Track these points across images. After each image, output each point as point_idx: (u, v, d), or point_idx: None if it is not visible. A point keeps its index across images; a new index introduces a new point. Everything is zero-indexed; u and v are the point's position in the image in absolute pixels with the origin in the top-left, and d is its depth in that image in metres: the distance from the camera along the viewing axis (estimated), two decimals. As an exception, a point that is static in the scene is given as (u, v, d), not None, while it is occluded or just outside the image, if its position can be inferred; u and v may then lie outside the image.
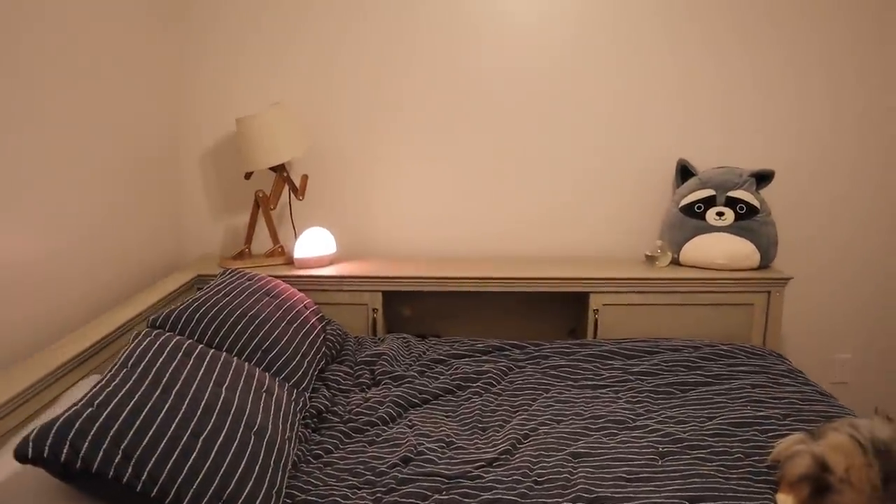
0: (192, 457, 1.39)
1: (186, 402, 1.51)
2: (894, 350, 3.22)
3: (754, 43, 2.91)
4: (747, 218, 2.80)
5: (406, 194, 2.99)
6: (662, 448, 1.83)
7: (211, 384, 1.63)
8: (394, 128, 2.93)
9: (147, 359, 1.63)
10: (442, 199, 3.00)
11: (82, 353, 1.85)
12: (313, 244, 2.76)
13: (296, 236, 2.83)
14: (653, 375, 2.31)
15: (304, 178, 2.83)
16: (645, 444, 1.85)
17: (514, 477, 1.67)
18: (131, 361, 1.62)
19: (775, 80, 2.94)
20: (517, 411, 2.06)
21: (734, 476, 1.70)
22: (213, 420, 1.51)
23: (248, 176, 2.81)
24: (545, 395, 2.17)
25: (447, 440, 1.87)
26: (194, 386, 1.59)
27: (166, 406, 1.46)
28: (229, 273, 2.39)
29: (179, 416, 1.46)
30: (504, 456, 1.78)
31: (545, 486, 1.64)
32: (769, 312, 2.77)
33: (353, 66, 2.88)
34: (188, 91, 2.87)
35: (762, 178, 2.86)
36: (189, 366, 1.67)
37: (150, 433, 1.37)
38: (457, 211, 3.01)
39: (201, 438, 1.44)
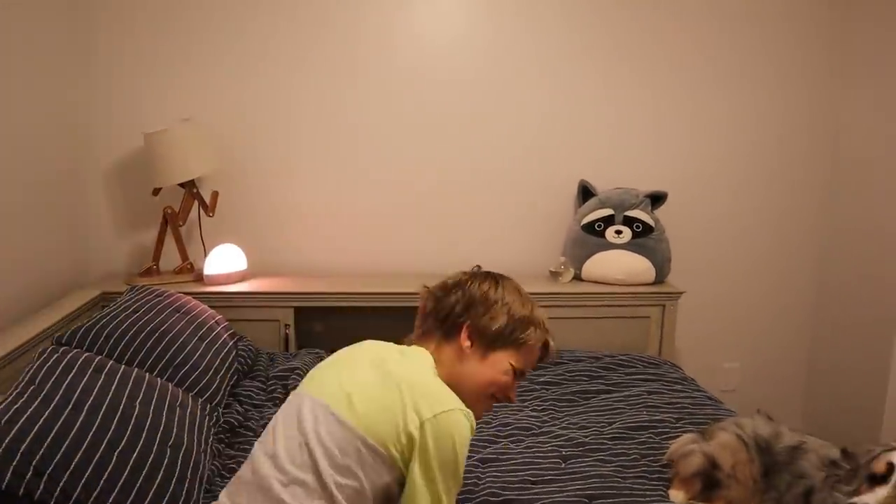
0: (108, 470, 1.38)
1: (100, 417, 1.50)
2: (778, 358, 3.47)
3: (647, 71, 3.10)
4: (643, 236, 2.97)
5: (318, 210, 3.01)
6: (566, 452, 1.93)
7: (124, 399, 1.62)
8: (305, 144, 2.96)
9: (55, 375, 1.60)
10: (354, 215, 3.03)
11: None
12: (223, 260, 2.75)
13: (205, 253, 2.81)
14: (557, 385, 2.42)
15: (215, 194, 2.81)
16: (549, 448, 1.95)
17: (425, 483, 1.73)
18: (38, 378, 1.58)
19: (667, 106, 3.15)
20: (428, 421, 2.12)
21: (631, 475, 1.82)
22: (127, 433, 1.51)
23: (156, 192, 2.77)
24: (455, 405, 2.23)
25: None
26: (107, 401, 1.57)
27: (79, 421, 1.45)
28: (137, 290, 2.35)
29: (93, 430, 1.44)
30: (415, 464, 1.84)
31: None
32: (664, 324, 2.94)
33: (265, 82, 2.89)
34: (95, 103, 2.81)
35: (656, 199, 3.05)
36: (100, 381, 1.65)
37: (63, 448, 1.35)
38: (368, 227, 3.05)
39: (116, 451, 1.43)
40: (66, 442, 1.37)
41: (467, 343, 1.46)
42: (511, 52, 3.02)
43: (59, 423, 1.41)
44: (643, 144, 3.16)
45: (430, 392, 1.33)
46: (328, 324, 2.93)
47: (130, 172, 2.88)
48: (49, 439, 1.35)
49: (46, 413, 1.42)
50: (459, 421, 1.30)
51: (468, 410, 1.34)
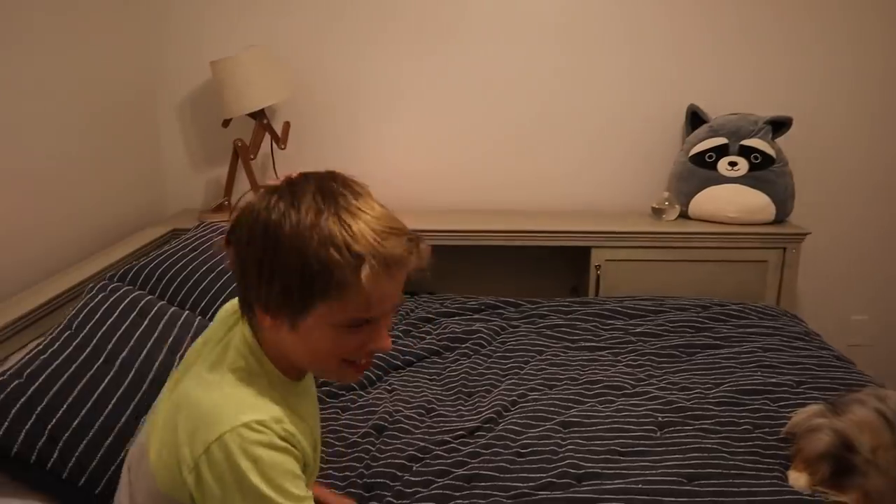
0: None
1: (131, 376, 1.36)
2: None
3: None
4: (762, 168, 2.59)
5: (398, 143, 2.80)
6: (662, 418, 1.67)
7: (164, 352, 1.48)
8: (385, 72, 2.73)
9: (95, 319, 1.48)
10: (436, 148, 2.80)
11: (32, 312, 1.70)
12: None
13: (279, 188, 2.65)
14: (656, 337, 2.14)
15: (286, 125, 2.65)
16: (643, 412, 1.69)
17: (495, 449, 1.53)
18: (77, 322, 1.47)
19: (797, 17, 2.69)
20: (506, 375, 1.91)
21: (740, 450, 1.55)
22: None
23: (225, 123, 2.63)
24: (538, 357, 2.01)
25: (427, 406, 1.73)
26: (143, 354, 1.43)
27: (106, 379, 1.32)
28: (203, 227, 2.23)
29: (120, 392, 1.31)
30: (487, 425, 1.64)
31: (528, 458, 1.50)
32: (784, 270, 2.58)
33: (338, 4, 2.67)
34: (161, 32, 2.67)
35: (779, 126, 2.64)
36: (142, 328, 1.52)
37: (84, 412, 1.22)
38: (452, 161, 2.82)
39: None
40: (89, 404, 1.24)
41: (266, 322, 0.98)
42: (612, -43, 2.65)
43: (86, 379, 1.28)
44: (765, 62, 2.73)
45: (203, 413, 0.95)
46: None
47: (201, 104, 2.75)
48: (71, 399, 1.22)
49: (73, 367, 1.29)
50: (244, 440, 0.91)
51: (263, 417, 0.94)
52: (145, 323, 1.53)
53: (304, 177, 0.98)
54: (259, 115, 2.58)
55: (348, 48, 2.70)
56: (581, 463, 1.46)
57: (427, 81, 2.74)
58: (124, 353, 1.40)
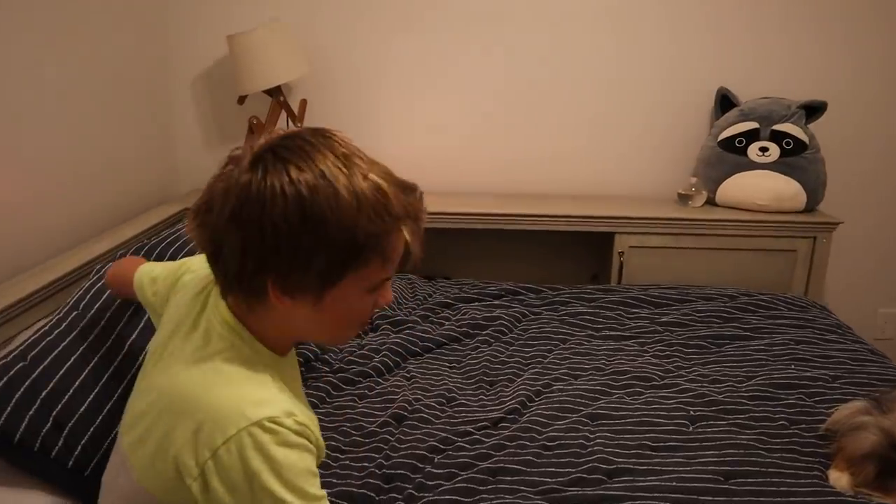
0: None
1: (140, 360, 1.30)
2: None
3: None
4: (794, 154, 2.50)
5: (418, 124, 2.72)
6: (694, 411, 1.60)
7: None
8: (403, 51, 2.64)
9: (102, 300, 1.42)
10: (456, 128, 2.72)
11: (40, 291, 1.64)
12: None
13: (294, 167, 2.59)
14: (684, 327, 2.07)
15: (303, 102, 2.57)
16: (674, 405, 1.62)
17: (520, 441, 1.46)
18: (84, 303, 1.40)
19: (827, 1, 2.59)
20: (529, 364, 1.84)
21: (777, 447, 1.48)
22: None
23: (241, 100, 2.55)
24: (562, 346, 1.94)
25: (448, 395, 1.66)
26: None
27: (115, 363, 1.25)
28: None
29: (129, 376, 1.24)
30: (511, 416, 1.57)
31: (556, 452, 1.43)
32: (814, 260, 2.49)
33: (358, -22, 2.59)
34: (175, 4, 2.60)
35: (813, 111, 2.54)
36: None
37: (91, 398, 1.16)
38: (472, 142, 2.74)
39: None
40: (97, 389, 1.17)
41: (286, 303, 0.90)
42: (642, -67, 2.55)
43: (91, 364, 1.21)
44: (798, 44, 2.63)
45: (204, 413, 0.87)
46: (426, 246, 2.67)
47: (216, 80, 2.68)
48: (77, 384, 1.15)
49: (80, 349, 1.22)
50: (256, 441, 0.84)
51: (274, 413, 0.87)
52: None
53: (297, 137, 0.89)
54: (276, 92, 2.51)
55: (370, 25, 2.62)
56: (611, 458, 1.40)
57: (450, 61, 2.65)
58: (133, 336, 1.33)
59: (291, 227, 0.84)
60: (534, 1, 2.59)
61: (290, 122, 2.59)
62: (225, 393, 0.88)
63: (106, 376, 1.22)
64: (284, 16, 2.57)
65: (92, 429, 1.13)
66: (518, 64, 2.65)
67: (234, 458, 0.84)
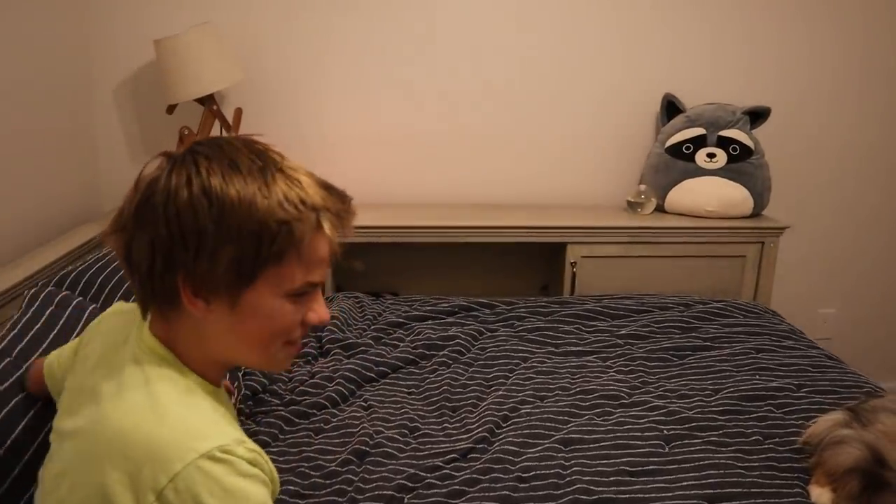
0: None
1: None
2: (878, 304, 3.02)
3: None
4: (741, 160, 2.50)
5: (359, 133, 2.60)
6: (668, 430, 1.54)
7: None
8: (344, 54, 2.52)
9: (39, 324, 1.26)
10: (401, 138, 2.62)
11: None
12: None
13: (229, 181, 2.43)
14: (644, 339, 2.02)
15: (238, 111, 2.42)
16: (646, 425, 1.56)
17: (494, 474, 1.37)
18: (21, 323, 1.25)
19: (776, 6, 2.61)
20: (492, 386, 1.75)
21: (755, 464, 1.43)
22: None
23: (170, 109, 2.38)
24: (523, 364, 1.86)
25: (410, 426, 1.55)
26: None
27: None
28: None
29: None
30: (481, 445, 1.48)
31: (532, 484, 1.34)
32: (762, 265, 2.50)
33: (293, -20, 2.45)
34: (97, 6, 2.41)
35: (756, 117, 2.56)
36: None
37: (11, 438, 1.01)
38: (417, 153, 2.64)
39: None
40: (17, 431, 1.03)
41: (199, 306, 0.83)
42: (586, -63, 2.51)
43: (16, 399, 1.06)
44: (739, 51, 2.64)
45: (144, 448, 0.77)
46: (371, 262, 2.57)
47: (142, 87, 2.49)
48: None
49: (8, 382, 1.07)
50: (208, 476, 0.75)
51: (223, 441, 0.78)
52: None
53: (217, 140, 0.86)
54: (208, 101, 2.35)
55: (309, 28, 2.49)
56: (591, 487, 1.32)
57: (396, 69, 2.54)
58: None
59: (196, 214, 0.79)
60: (480, 8, 2.52)
61: (225, 132, 2.43)
62: (163, 425, 0.78)
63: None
64: (216, 18, 2.41)
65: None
66: (465, 73, 2.57)
67: (183, 498, 0.74)
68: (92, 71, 2.45)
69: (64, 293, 1.46)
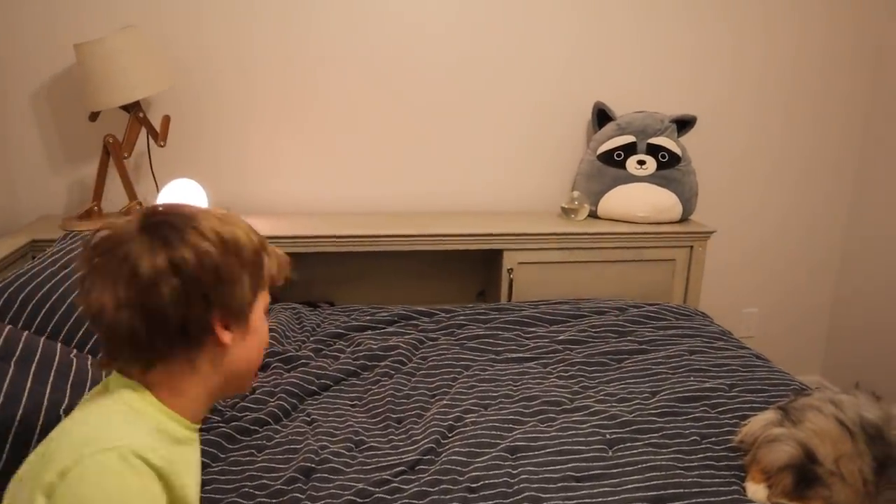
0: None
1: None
2: (798, 303, 3.18)
3: (675, -26, 2.66)
4: (669, 167, 2.58)
5: (291, 140, 2.56)
6: (610, 434, 1.57)
7: (42, 395, 1.20)
8: (276, 58, 2.47)
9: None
10: (332, 146, 2.58)
11: None
12: (179, 198, 2.30)
13: (158, 190, 2.35)
14: (582, 344, 2.05)
15: (166, 119, 2.34)
16: (589, 430, 1.58)
17: (443, 485, 1.36)
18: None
19: (702, 17, 2.71)
20: (435, 395, 1.75)
21: (694, 464, 1.47)
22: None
23: (93, 117, 2.29)
24: (466, 373, 1.86)
25: (355, 439, 1.53)
26: (19, 410, 1.15)
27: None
28: (71, 238, 1.91)
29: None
30: (428, 456, 1.47)
31: (482, 494, 1.34)
32: (691, 268, 2.58)
33: (222, -16, 2.39)
34: (17, 8, 2.29)
35: (684, 125, 2.64)
36: (8, 377, 1.22)
37: None
38: (350, 161, 2.61)
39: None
40: None
41: (227, 339, 0.94)
42: (517, -52, 2.54)
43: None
44: (667, 60, 2.73)
45: (66, 441, 0.83)
46: (307, 273, 2.53)
47: (62, 94, 2.38)
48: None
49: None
50: (103, 470, 0.80)
51: (124, 444, 0.82)
52: (10, 370, 1.23)
53: (174, 207, 0.96)
54: (134, 108, 2.26)
55: (239, 32, 2.43)
56: (539, 495, 1.33)
57: (325, 74, 2.51)
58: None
59: (222, 255, 0.92)
60: (412, 15, 2.51)
61: (152, 141, 2.35)
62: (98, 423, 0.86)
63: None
64: (141, 22, 2.33)
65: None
66: (397, 79, 2.56)
67: (76, 491, 0.79)
68: (6, 78, 2.32)
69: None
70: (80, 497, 0.78)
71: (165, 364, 0.91)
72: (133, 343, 0.88)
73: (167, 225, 0.90)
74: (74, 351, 1.45)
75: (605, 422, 1.62)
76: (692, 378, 1.85)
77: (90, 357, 1.46)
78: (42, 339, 1.38)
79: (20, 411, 1.15)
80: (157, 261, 0.87)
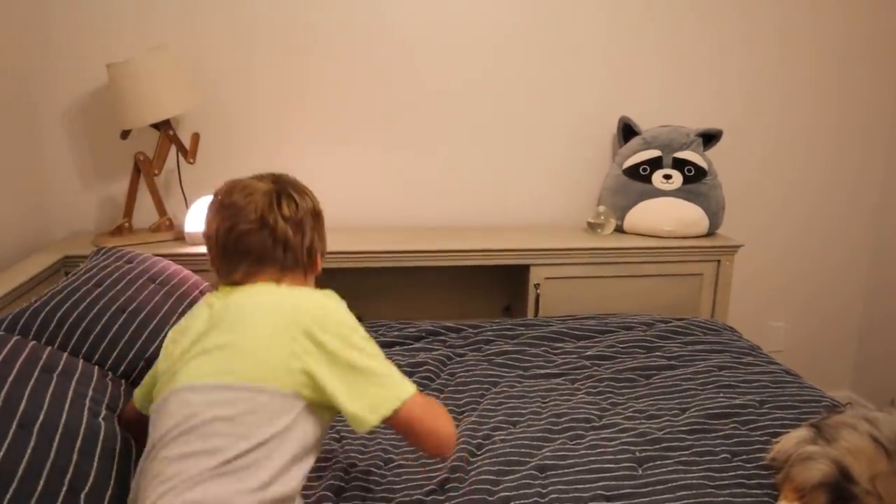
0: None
1: (56, 443, 1.10)
2: (829, 319, 3.14)
3: (700, -12, 2.66)
4: (696, 181, 2.57)
5: (319, 157, 2.59)
6: (639, 452, 1.56)
7: (85, 414, 1.22)
8: (305, 77, 2.51)
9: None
10: (360, 161, 2.61)
11: None
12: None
13: (187, 206, 2.39)
14: (610, 360, 2.05)
15: (195, 136, 2.38)
16: (619, 447, 1.57)
17: None
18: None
19: (723, 32, 2.70)
20: (464, 412, 1.75)
21: (725, 482, 1.46)
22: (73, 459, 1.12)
23: (124, 135, 2.33)
24: (493, 389, 1.86)
25: (384, 457, 1.53)
26: (63, 417, 1.17)
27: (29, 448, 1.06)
28: (104, 254, 1.94)
29: (50, 462, 1.06)
30: (457, 475, 1.46)
31: (513, 513, 1.34)
32: (718, 282, 2.56)
33: (256, 2, 2.42)
34: (49, 30, 2.34)
35: (709, 138, 2.63)
36: (53, 385, 1.25)
37: (12, 491, 0.97)
38: (378, 176, 2.63)
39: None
40: (16, 479, 0.98)
41: (318, 269, 1.42)
42: (541, -36, 2.56)
43: (4, 450, 1.02)
44: (692, 74, 2.72)
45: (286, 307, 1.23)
46: (335, 288, 2.53)
47: (94, 113, 2.43)
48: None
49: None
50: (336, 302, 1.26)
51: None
52: (53, 382, 1.26)
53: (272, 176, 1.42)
54: (164, 126, 2.30)
55: (267, 49, 2.46)
56: (570, 514, 1.32)
57: (354, 93, 2.54)
58: (42, 417, 1.13)
59: (312, 219, 1.37)
60: (441, 34, 2.54)
61: (181, 158, 2.39)
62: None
63: (24, 463, 1.02)
64: (170, 42, 2.37)
65: None
66: (426, 97, 2.58)
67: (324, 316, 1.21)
68: (39, 97, 2.38)
69: (16, 339, 1.40)
70: (336, 316, 1.19)
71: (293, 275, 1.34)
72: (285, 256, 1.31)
73: (278, 193, 1.34)
74: (110, 374, 1.48)
75: (635, 438, 1.61)
76: (721, 394, 1.83)
77: (123, 382, 1.48)
78: (80, 360, 1.41)
79: (64, 416, 1.18)
80: (284, 215, 1.31)
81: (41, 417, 1.14)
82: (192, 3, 2.38)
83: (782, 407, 1.78)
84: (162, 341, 1.63)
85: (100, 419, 1.23)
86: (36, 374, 1.24)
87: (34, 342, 1.40)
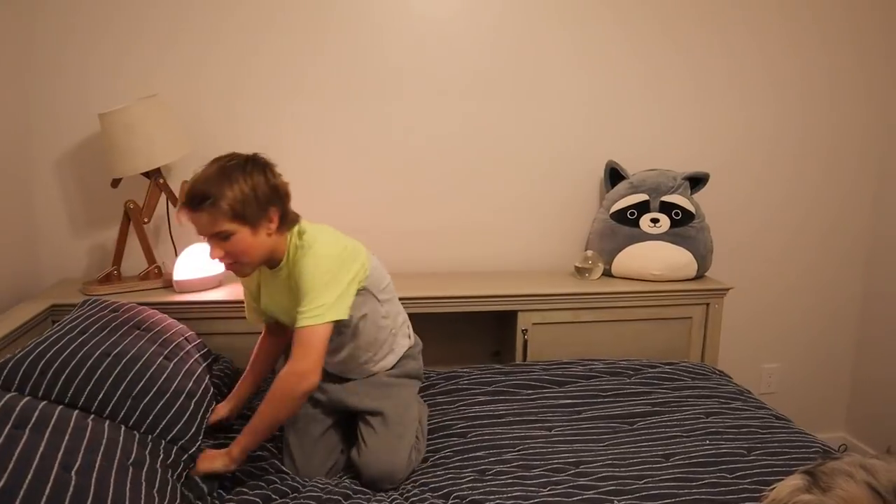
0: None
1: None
2: (820, 358, 3.13)
3: (687, 41, 2.70)
4: (683, 224, 2.58)
5: (307, 205, 2.60)
6: (619, 502, 1.54)
7: (55, 469, 1.21)
8: (293, 126, 2.54)
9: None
10: (350, 209, 2.63)
11: None
12: (197, 263, 2.34)
13: (176, 254, 2.40)
14: (591, 405, 2.03)
15: (185, 185, 2.40)
16: (596, 498, 1.55)
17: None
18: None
19: (708, 75, 2.75)
20: (435, 463, 1.73)
21: (710, 535, 1.44)
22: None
23: (115, 183, 2.35)
24: (464, 438, 1.84)
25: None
26: (29, 476, 1.17)
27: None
28: (90, 304, 1.95)
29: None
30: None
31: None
32: (708, 325, 2.56)
33: (243, 50, 2.47)
34: (41, 79, 2.38)
35: (696, 182, 2.66)
36: (23, 442, 1.24)
37: None
38: (367, 223, 2.65)
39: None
40: None
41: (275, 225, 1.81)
42: (524, 21, 2.61)
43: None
44: (678, 119, 2.76)
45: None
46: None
47: (86, 161, 2.46)
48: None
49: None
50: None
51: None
52: (25, 436, 1.25)
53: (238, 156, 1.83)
54: (154, 174, 2.33)
55: (256, 97, 2.50)
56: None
57: (344, 136, 2.57)
58: (2, 479, 1.13)
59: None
60: (427, 77, 2.58)
61: (171, 206, 2.41)
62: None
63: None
64: (162, 91, 2.41)
65: None
66: (413, 141, 2.61)
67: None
68: (31, 144, 2.41)
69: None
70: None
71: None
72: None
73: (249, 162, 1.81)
74: (92, 416, 1.47)
75: (616, 488, 1.59)
76: (707, 441, 1.82)
77: (108, 421, 1.48)
78: (58, 407, 1.40)
79: (31, 473, 1.17)
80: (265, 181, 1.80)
81: (5, 475, 1.13)
82: (184, 54, 2.43)
83: (771, 453, 1.77)
84: (143, 386, 1.62)
85: (71, 473, 1.22)
86: (6, 430, 1.24)
87: (14, 393, 1.40)
